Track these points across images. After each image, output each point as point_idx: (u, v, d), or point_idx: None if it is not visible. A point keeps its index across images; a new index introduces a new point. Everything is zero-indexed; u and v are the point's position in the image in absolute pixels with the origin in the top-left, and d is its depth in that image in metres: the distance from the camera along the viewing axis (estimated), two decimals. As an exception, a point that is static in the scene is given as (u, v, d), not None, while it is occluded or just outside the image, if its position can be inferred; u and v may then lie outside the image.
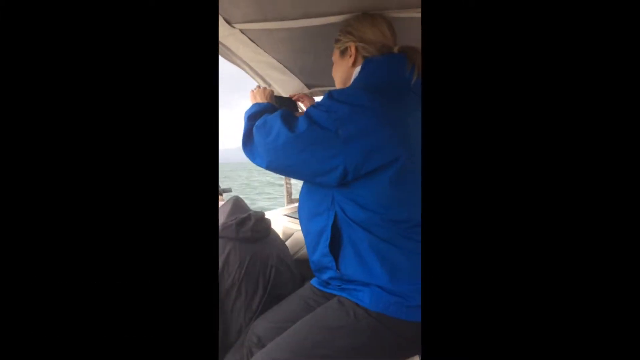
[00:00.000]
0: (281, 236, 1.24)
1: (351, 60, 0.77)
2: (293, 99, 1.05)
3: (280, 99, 0.97)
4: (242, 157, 0.82)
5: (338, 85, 0.83)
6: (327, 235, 0.71)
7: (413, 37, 0.78)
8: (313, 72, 1.22)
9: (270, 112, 0.78)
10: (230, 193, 1.58)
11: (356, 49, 0.75)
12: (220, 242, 0.93)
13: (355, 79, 0.76)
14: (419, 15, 0.77)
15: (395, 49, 0.75)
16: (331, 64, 0.84)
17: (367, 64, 0.74)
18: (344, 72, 0.80)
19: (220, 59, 1.04)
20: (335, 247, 0.71)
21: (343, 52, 0.79)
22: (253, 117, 0.79)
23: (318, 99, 1.35)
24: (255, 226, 0.99)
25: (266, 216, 1.10)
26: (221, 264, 0.91)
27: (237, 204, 1.06)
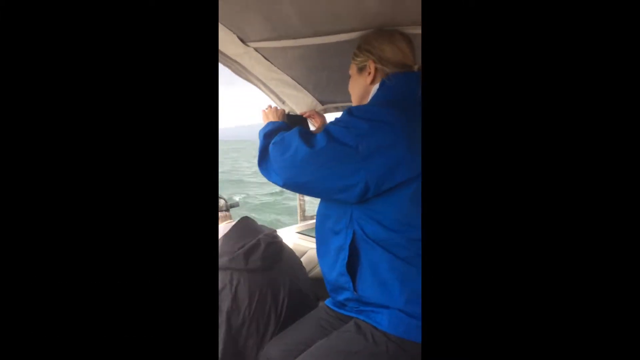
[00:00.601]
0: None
1: (369, 78, 0.75)
2: (304, 116, 1.05)
3: (291, 117, 0.97)
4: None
5: (354, 100, 0.82)
6: (344, 254, 0.69)
7: None
8: (326, 89, 1.22)
9: (285, 130, 0.77)
10: (237, 208, 1.54)
11: (375, 67, 0.74)
12: (227, 274, 0.84)
13: (374, 96, 0.74)
14: None
15: (415, 68, 0.74)
16: (345, 81, 0.84)
17: (386, 82, 0.73)
18: (361, 88, 0.78)
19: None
20: (352, 267, 0.69)
21: (361, 69, 0.78)
22: (268, 135, 0.79)
23: (331, 115, 1.36)
24: (265, 253, 0.89)
25: (278, 234, 1.05)
26: (229, 301, 0.82)
27: (246, 227, 0.97)
